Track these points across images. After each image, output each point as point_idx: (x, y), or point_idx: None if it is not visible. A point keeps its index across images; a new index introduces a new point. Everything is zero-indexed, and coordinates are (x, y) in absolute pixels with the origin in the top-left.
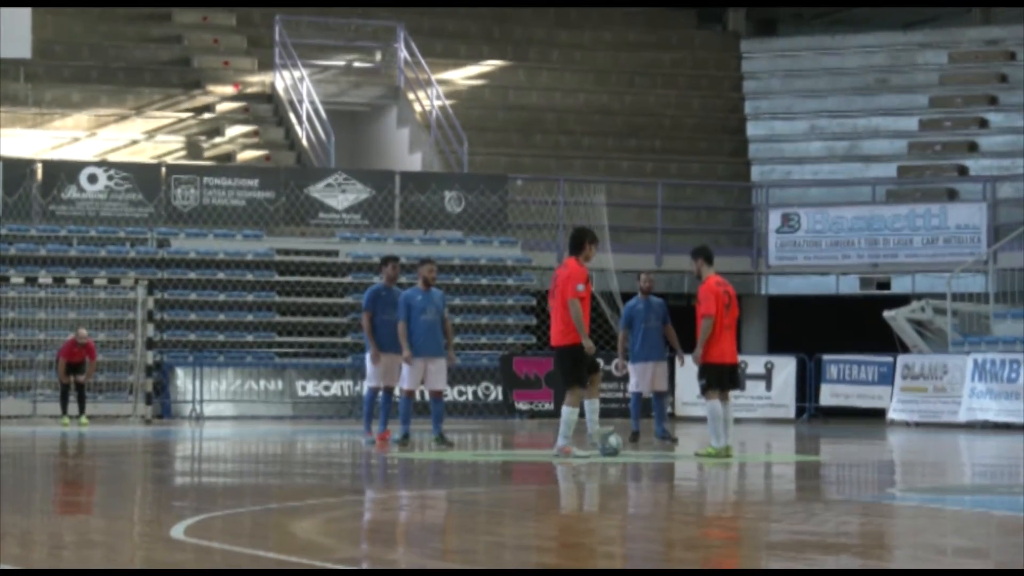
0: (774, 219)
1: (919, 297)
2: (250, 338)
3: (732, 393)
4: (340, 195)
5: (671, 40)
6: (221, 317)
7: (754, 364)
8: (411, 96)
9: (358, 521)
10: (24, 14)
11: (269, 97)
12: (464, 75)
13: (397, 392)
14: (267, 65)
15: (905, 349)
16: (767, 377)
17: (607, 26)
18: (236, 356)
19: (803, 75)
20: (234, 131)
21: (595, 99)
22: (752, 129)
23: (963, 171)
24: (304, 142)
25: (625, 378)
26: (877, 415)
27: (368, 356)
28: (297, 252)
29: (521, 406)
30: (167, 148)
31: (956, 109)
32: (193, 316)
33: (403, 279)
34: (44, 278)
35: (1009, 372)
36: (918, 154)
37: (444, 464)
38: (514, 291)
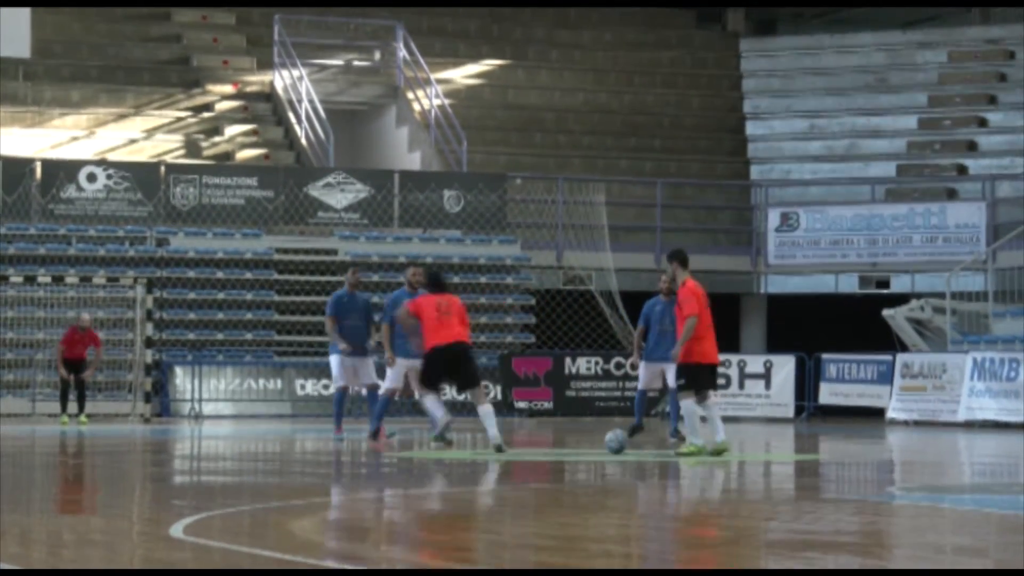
0: (773, 218)
1: (918, 296)
2: (249, 337)
3: (731, 391)
4: (339, 194)
5: (670, 39)
6: (220, 316)
7: (753, 363)
8: (410, 95)
9: (357, 519)
10: (23, 13)
11: (268, 96)
12: (463, 74)
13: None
14: (266, 64)
15: (904, 348)
16: (766, 376)
17: (606, 25)
18: (235, 355)
19: (802, 74)
20: (233, 130)
21: (594, 98)
22: (751, 128)
23: (962, 170)
24: (303, 141)
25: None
26: (876, 414)
27: (332, 358)
28: (296, 251)
29: (520, 405)
30: (166, 147)
31: (955, 108)
32: (192, 315)
33: (377, 282)
34: (43, 277)
35: (1008, 371)
36: (917, 153)
37: (443, 463)
38: (513, 290)
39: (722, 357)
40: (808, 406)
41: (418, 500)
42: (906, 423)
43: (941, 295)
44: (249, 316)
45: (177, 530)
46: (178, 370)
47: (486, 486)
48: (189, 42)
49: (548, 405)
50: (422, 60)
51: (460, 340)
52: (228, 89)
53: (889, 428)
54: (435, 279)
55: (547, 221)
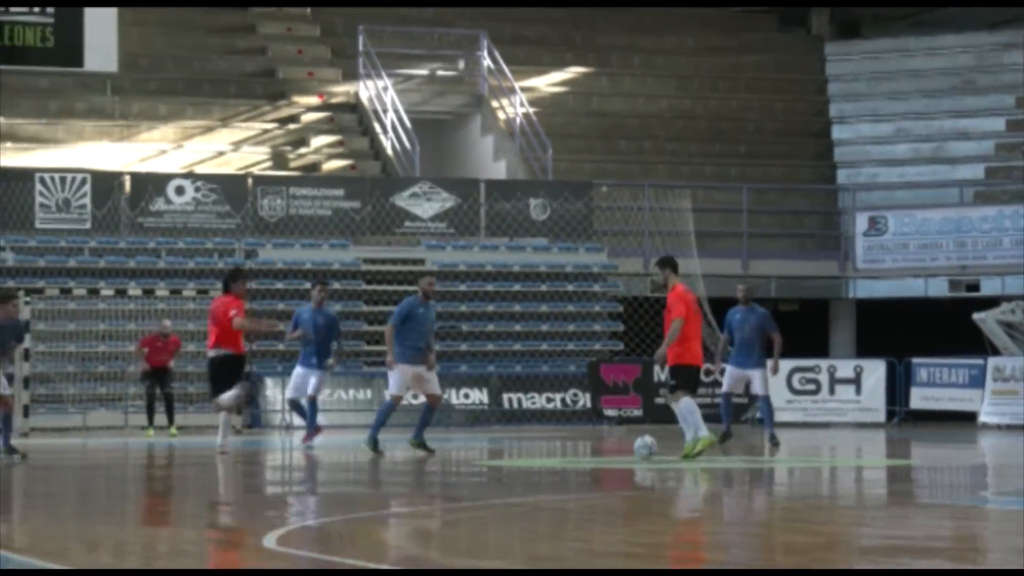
0: (861, 222)
1: (1009, 299)
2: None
3: (821, 397)
4: (425, 204)
5: (753, 44)
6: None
7: (843, 368)
8: (494, 104)
9: (448, 529)
10: (110, 28)
11: (353, 107)
12: (547, 82)
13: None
14: (351, 75)
15: (995, 351)
16: (856, 381)
17: (688, 31)
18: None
19: (888, 77)
20: (319, 141)
21: (678, 104)
22: (837, 132)
23: None
24: (389, 151)
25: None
26: (968, 418)
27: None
28: (383, 261)
29: (609, 412)
30: (253, 159)
31: None
32: (282, 326)
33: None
34: (133, 290)
35: None
36: (1005, 155)
37: (533, 471)
38: (600, 298)
39: (812, 362)
40: (899, 411)
41: (506, 509)
42: (998, 427)
43: None
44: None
45: (270, 541)
46: (268, 381)
47: (574, 494)
48: (274, 54)
49: (637, 412)
50: (506, 68)
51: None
52: (313, 100)
53: (981, 432)
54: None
55: (633, 228)
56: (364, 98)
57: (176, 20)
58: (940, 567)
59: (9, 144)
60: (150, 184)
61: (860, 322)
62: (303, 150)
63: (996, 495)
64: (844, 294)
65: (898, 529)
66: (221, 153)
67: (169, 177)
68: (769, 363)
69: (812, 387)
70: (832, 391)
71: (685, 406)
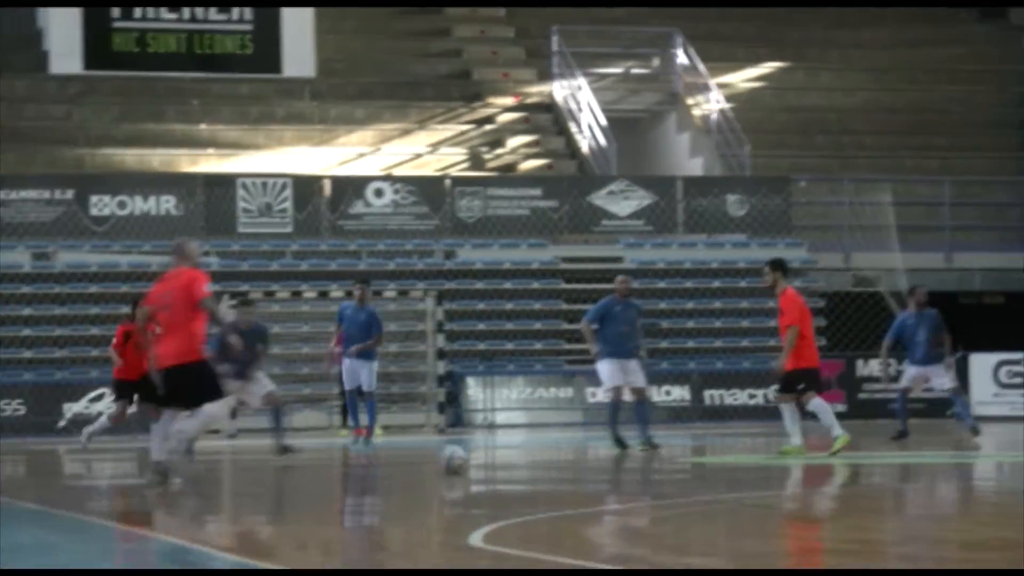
0: None
1: None
2: (539, 346)
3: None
4: (623, 202)
5: (951, 36)
6: (509, 326)
7: None
8: (690, 101)
9: (653, 527)
10: (308, 34)
11: (549, 107)
12: (743, 78)
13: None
14: (546, 75)
15: None
16: None
17: (884, 24)
18: (525, 364)
19: None
20: (515, 141)
21: (876, 97)
22: None
23: None
24: (585, 150)
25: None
26: None
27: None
28: (582, 259)
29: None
30: (450, 160)
31: None
32: (482, 326)
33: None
34: (335, 292)
35: None
36: None
37: (736, 468)
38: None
39: (1018, 355)
40: None
41: (711, 506)
42: None
43: None
44: (538, 326)
45: (476, 539)
46: (470, 380)
47: (779, 491)
48: (469, 56)
49: (841, 408)
50: (700, 65)
51: None
52: (509, 101)
53: None
54: None
55: (833, 223)
56: (559, 98)
57: (372, 25)
58: None
59: (211, 151)
60: (350, 187)
61: None
62: (499, 151)
63: None
64: None
65: None
66: (419, 155)
67: (368, 180)
68: (947, 359)
69: (1019, 380)
70: None
71: (818, 406)
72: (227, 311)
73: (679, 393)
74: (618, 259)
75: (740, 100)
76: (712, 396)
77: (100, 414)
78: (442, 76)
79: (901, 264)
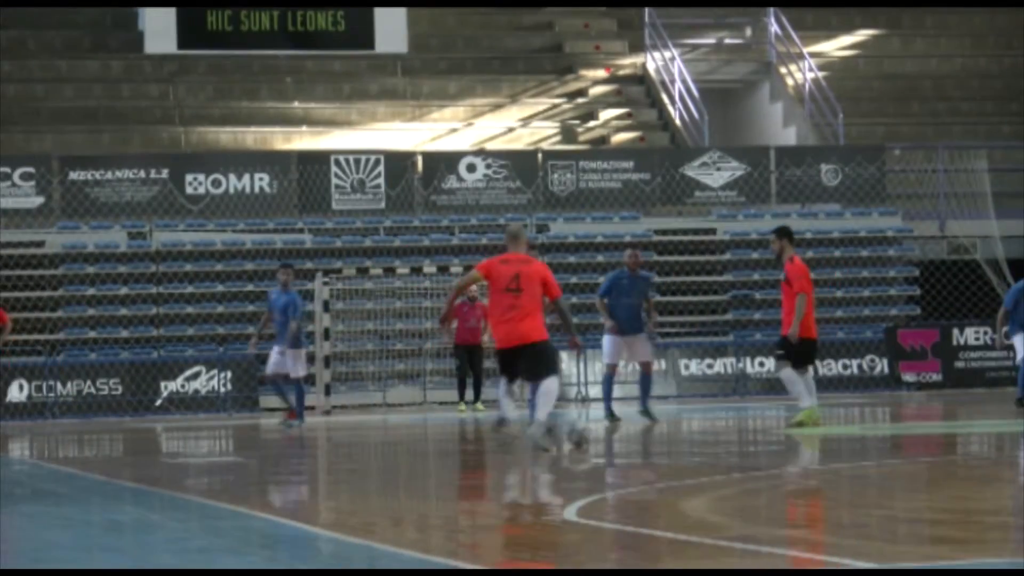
0: None
1: None
2: None
3: None
4: (715, 173)
5: None
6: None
7: None
8: (783, 70)
9: (749, 499)
10: (400, 10)
11: (641, 79)
12: (836, 46)
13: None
14: (637, 47)
15: None
16: None
17: None
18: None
19: None
20: (607, 114)
21: (972, 63)
22: None
23: None
24: (677, 122)
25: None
26: None
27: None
28: (675, 232)
29: (908, 378)
30: (542, 134)
31: None
32: (575, 299)
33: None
34: (428, 268)
35: None
36: None
37: (831, 439)
38: (896, 262)
39: None
40: None
41: (807, 477)
42: None
43: None
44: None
45: (571, 512)
46: (564, 354)
47: (876, 460)
48: (561, 29)
49: (937, 377)
50: (794, 34)
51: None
52: (601, 74)
53: None
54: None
55: (928, 191)
56: (651, 69)
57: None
58: None
59: (305, 128)
60: (442, 162)
61: None
62: (591, 124)
63: None
64: None
65: None
66: (511, 129)
67: (460, 155)
68: None
69: None
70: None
71: (788, 377)
72: None
73: (772, 365)
74: (711, 231)
75: (834, 68)
76: None
77: (198, 392)
78: (534, 49)
79: (997, 231)
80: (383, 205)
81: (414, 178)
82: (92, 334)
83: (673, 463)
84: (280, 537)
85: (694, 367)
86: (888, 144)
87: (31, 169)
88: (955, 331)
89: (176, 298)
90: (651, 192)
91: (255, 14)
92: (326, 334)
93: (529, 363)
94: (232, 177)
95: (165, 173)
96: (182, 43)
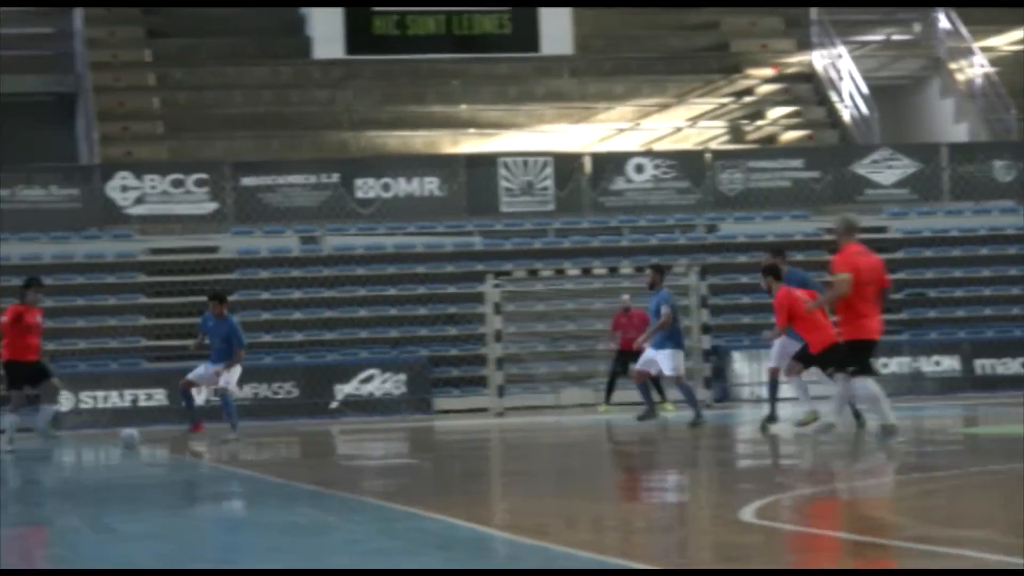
0: None
1: None
2: None
3: None
4: (886, 170)
5: None
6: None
7: None
8: (952, 66)
9: (925, 499)
10: (565, 12)
11: (809, 76)
12: (1007, 40)
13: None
14: (805, 45)
15: None
16: None
17: None
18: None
19: None
20: (775, 113)
21: None
22: None
23: None
24: (846, 119)
25: None
26: None
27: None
28: None
29: None
30: (710, 134)
31: None
32: (746, 299)
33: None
34: (598, 269)
35: None
36: None
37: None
38: None
39: None
40: None
41: (984, 477)
42: None
43: None
44: None
45: (747, 514)
46: (735, 355)
47: None
48: (727, 28)
49: None
50: (963, 29)
51: None
52: (768, 72)
53: None
54: None
55: None
56: (819, 67)
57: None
58: None
59: (472, 131)
60: (610, 163)
61: None
62: (759, 122)
63: None
64: None
65: None
66: (678, 129)
67: (628, 156)
68: None
69: None
70: None
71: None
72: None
73: (949, 363)
74: (882, 229)
75: (1005, 63)
76: (983, 366)
77: (372, 395)
78: (700, 49)
79: None
80: (552, 207)
81: (582, 179)
82: (267, 338)
83: (849, 464)
84: (455, 538)
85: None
86: None
87: (204, 175)
88: None
89: (348, 301)
90: (821, 190)
91: (421, 18)
92: (497, 336)
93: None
94: (401, 180)
95: (335, 177)
96: (350, 48)
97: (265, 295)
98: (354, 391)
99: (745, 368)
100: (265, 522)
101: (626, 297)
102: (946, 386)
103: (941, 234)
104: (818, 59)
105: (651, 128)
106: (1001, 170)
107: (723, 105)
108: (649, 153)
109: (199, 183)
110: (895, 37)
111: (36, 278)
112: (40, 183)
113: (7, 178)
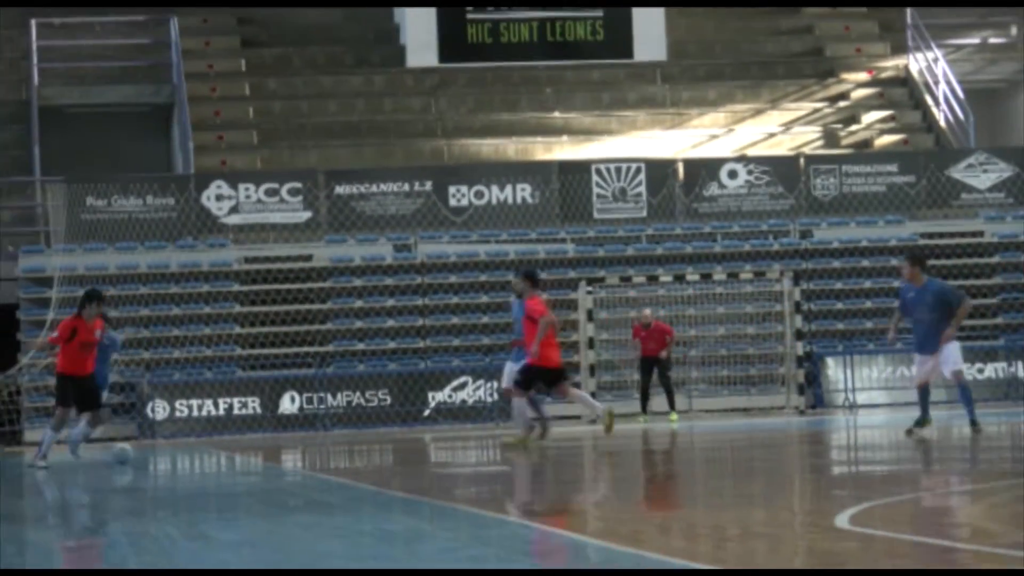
0: None
1: None
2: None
3: None
4: (982, 175)
5: None
6: (868, 304)
7: None
8: None
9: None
10: (658, 18)
11: (904, 81)
12: None
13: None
14: (900, 48)
15: None
16: None
17: None
18: (884, 344)
19: None
20: (870, 117)
21: None
22: None
23: None
24: (942, 123)
25: None
26: None
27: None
28: (941, 235)
29: None
30: (804, 139)
31: None
32: (840, 305)
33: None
34: (691, 275)
35: None
36: None
37: None
38: None
39: None
40: None
41: None
42: None
43: None
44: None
45: (842, 520)
46: (829, 361)
47: None
48: (821, 32)
49: None
50: None
51: None
52: (863, 76)
53: None
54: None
55: None
56: (914, 71)
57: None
58: None
59: (565, 137)
60: (703, 169)
61: None
62: (854, 127)
63: None
64: None
65: None
66: (772, 135)
67: (721, 161)
68: None
69: None
70: None
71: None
72: None
73: None
74: (979, 233)
75: None
76: None
77: (464, 402)
78: (794, 54)
79: None
80: (644, 213)
81: (675, 185)
82: (360, 346)
83: (945, 469)
84: (548, 546)
85: (964, 372)
86: None
87: (298, 184)
88: None
89: (441, 309)
90: (916, 195)
91: (514, 25)
92: (590, 343)
93: None
94: (494, 188)
95: (428, 185)
96: (443, 56)
97: (358, 303)
98: (447, 398)
99: (839, 374)
100: (359, 530)
101: (647, 311)
102: None
103: None
104: (913, 63)
105: (744, 133)
106: None
107: (817, 110)
108: (742, 159)
109: (293, 192)
110: (991, 40)
111: (98, 291)
112: (136, 193)
113: (104, 188)
